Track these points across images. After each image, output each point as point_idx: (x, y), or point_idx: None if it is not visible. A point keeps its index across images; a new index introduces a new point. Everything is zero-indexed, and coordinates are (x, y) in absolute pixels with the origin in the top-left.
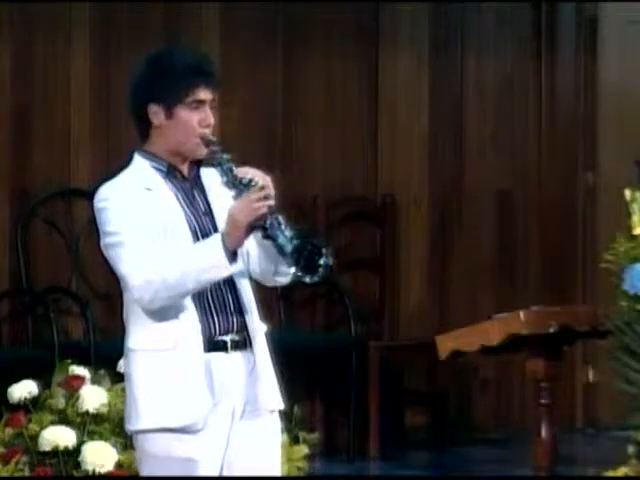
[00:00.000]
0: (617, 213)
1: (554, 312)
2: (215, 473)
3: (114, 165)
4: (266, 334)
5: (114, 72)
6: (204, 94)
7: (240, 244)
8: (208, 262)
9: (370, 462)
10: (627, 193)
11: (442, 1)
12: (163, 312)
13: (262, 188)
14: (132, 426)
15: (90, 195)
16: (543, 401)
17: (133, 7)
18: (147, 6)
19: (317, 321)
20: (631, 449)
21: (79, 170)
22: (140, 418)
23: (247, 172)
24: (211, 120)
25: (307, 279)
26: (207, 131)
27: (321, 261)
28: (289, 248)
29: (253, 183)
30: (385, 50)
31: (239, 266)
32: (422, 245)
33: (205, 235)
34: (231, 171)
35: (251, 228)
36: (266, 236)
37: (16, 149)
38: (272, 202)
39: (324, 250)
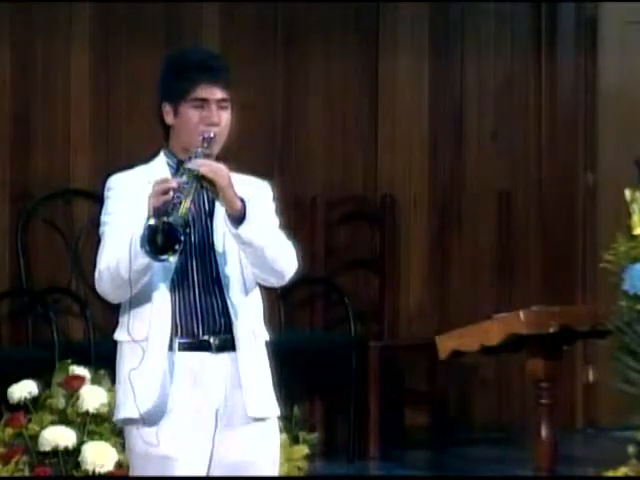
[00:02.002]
0: (617, 213)
1: (554, 312)
2: (200, 473)
3: (114, 165)
4: (266, 342)
5: (114, 72)
6: (206, 92)
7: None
8: (132, 250)
9: (370, 462)
10: (627, 193)
11: (442, 1)
12: (141, 305)
13: (198, 178)
14: (114, 417)
15: (90, 195)
16: (543, 401)
17: (133, 7)
18: (147, 6)
19: (317, 321)
20: (631, 449)
21: (79, 170)
22: (117, 408)
23: (198, 163)
24: (214, 119)
25: (150, 257)
26: (211, 129)
27: (160, 243)
28: (145, 226)
29: (190, 171)
30: (385, 50)
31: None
32: (422, 245)
33: (199, 233)
34: (188, 161)
35: (155, 210)
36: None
37: (16, 149)
38: (173, 187)
39: (167, 233)
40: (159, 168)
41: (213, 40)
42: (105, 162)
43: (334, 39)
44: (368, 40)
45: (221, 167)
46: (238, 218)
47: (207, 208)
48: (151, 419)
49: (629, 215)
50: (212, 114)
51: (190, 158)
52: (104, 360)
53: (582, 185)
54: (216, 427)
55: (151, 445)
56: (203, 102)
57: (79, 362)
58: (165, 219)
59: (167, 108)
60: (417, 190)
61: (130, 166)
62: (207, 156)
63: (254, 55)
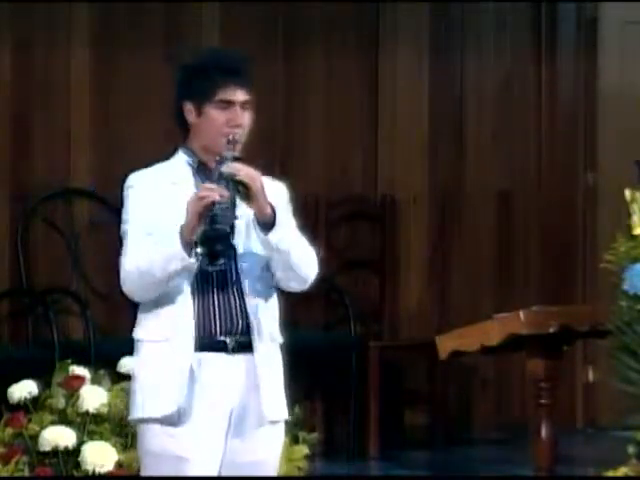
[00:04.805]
0: (617, 213)
1: (554, 312)
2: (212, 473)
3: (114, 165)
4: (281, 346)
5: (114, 72)
6: (233, 94)
7: (191, 233)
8: (169, 252)
9: (370, 462)
10: (627, 193)
11: (442, 1)
12: (163, 305)
13: (239, 183)
14: (130, 416)
15: (90, 195)
16: (543, 401)
17: (133, 7)
18: (147, 6)
19: (317, 321)
20: (631, 449)
21: (79, 170)
22: (134, 407)
23: (234, 168)
24: (240, 121)
25: (206, 264)
26: (236, 131)
27: (217, 248)
28: (200, 234)
29: (227, 176)
30: (385, 50)
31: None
32: (422, 245)
33: None
34: (220, 165)
35: (200, 217)
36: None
37: (16, 149)
38: (225, 193)
39: (223, 239)
40: (180, 167)
41: (213, 40)
42: (105, 162)
43: (334, 39)
44: (368, 40)
45: (255, 172)
46: (268, 224)
47: None
48: (173, 419)
49: (629, 215)
50: (237, 116)
51: (221, 161)
52: (104, 360)
53: (582, 185)
54: (229, 428)
55: (167, 446)
56: (228, 104)
57: (79, 362)
58: (218, 226)
59: (189, 107)
60: (417, 190)
61: (149, 164)
62: (236, 159)
63: (254, 55)
